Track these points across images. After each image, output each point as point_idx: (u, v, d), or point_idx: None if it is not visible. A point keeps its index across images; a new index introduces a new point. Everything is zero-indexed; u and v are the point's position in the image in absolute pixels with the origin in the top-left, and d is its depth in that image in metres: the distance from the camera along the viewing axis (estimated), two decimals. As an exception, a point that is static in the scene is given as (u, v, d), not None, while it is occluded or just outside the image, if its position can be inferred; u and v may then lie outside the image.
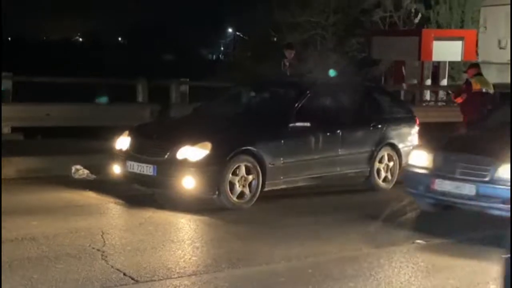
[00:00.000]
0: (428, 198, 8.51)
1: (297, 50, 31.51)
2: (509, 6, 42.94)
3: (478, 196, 7.85)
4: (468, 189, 7.88)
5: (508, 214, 7.15)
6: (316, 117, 9.43)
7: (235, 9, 43.56)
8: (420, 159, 8.53)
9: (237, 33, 60.16)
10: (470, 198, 7.92)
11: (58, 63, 38.58)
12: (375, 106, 10.48)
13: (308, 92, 9.62)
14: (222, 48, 74.68)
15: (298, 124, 9.22)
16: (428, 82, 22.87)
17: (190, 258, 6.66)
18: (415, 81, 22.85)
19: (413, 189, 8.64)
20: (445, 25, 28.87)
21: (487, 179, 7.78)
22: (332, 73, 17.33)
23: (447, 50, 22.20)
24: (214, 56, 62.86)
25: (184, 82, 12.92)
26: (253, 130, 9.06)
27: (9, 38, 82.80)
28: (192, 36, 77.62)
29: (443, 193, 8.12)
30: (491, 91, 12.69)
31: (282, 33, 31.64)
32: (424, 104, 21.54)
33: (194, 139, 8.58)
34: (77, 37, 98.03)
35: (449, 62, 23.43)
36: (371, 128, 10.17)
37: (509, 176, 7.53)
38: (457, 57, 22.50)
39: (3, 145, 10.33)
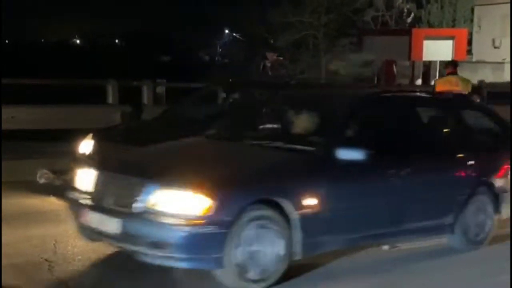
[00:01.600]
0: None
1: (290, 50, 31.43)
2: (504, 6, 42.71)
3: (125, 236, 5.57)
4: (114, 225, 5.63)
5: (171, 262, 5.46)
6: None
7: (231, 9, 43.29)
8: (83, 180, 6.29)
9: (234, 34, 59.94)
10: (117, 238, 5.66)
11: (52, 66, 38.41)
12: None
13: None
14: (220, 50, 74.42)
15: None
16: (419, 81, 22.62)
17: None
18: (406, 81, 22.60)
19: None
20: (436, 24, 28.66)
21: (135, 210, 5.51)
22: None
23: (437, 49, 21.94)
24: (209, 57, 62.44)
25: (159, 83, 12.54)
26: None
27: (7, 41, 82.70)
28: (189, 38, 77.49)
29: (93, 230, 5.94)
30: (462, 91, 11.28)
31: (275, 33, 31.43)
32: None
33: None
34: (75, 39, 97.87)
35: (440, 61, 23.19)
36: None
37: (166, 207, 5.40)
38: (448, 57, 22.21)
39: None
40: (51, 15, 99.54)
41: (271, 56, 13.04)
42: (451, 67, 11.99)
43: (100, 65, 40.65)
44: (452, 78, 11.76)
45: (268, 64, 12.66)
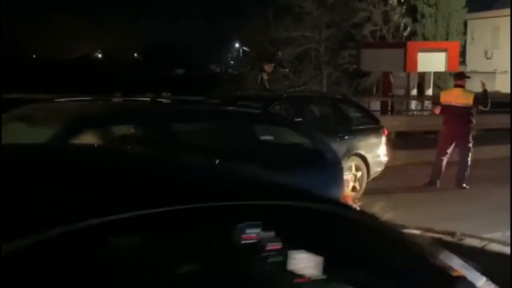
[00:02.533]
0: None
1: (293, 63, 31.29)
2: (495, 19, 42.40)
3: None
4: None
5: None
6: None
7: (241, 25, 43.29)
8: None
9: (243, 47, 59.86)
10: None
11: (73, 80, 38.46)
12: (342, 117, 9.90)
13: (272, 105, 9.09)
14: (232, 62, 74.41)
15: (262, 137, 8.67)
16: (414, 92, 22.37)
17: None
18: (402, 91, 22.37)
19: None
20: (431, 37, 28.39)
21: None
22: None
23: (431, 61, 21.70)
24: (220, 69, 62.40)
25: (164, 97, 12.32)
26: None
27: (34, 56, 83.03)
28: (202, 51, 77.56)
29: None
30: (464, 104, 11.22)
31: (278, 47, 31.33)
32: (410, 113, 21.13)
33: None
34: (96, 54, 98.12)
35: (435, 73, 23.00)
36: (338, 139, 9.59)
37: None
38: (441, 68, 22.08)
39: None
40: (75, 31, 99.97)
41: (269, 67, 12.56)
42: (457, 79, 11.73)
43: (118, 78, 40.66)
44: (453, 90, 11.59)
45: (265, 77, 12.29)
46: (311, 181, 4.79)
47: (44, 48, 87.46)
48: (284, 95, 9.93)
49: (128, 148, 4.65)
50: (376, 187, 9.99)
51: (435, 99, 14.88)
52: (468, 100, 11.30)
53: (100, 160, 3.22)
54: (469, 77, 12.44)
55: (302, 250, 2.27)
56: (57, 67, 54.99)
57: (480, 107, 11.59)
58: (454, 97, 11.30)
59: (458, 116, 11.14)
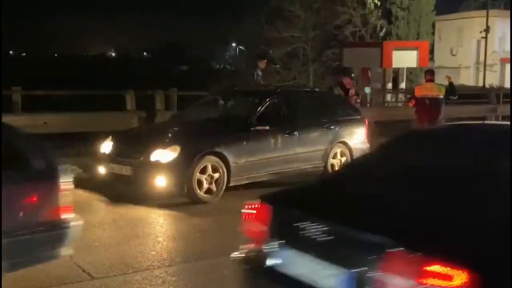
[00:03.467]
0: None
1: (283, 60, 31.11)
2: (459, 21, 42.21)
3: None
4: None
5: None
6: (275, 120, 8.83)
7: (237, 26, 43.10)
8: None
9: (239, 46, 59.52)
10: None
11: (90, 75, 38.19)
12: (328, 109, 9.81)
13: (268, 99, 8.97)
14: (229, 59, 73.96)
15: (258, 127, 8.59)
16: (389, 85, 22.30)
17: (149, 253, 6.02)
18: (379, 85, 22.26)
19: None
20: (404, 37, 28.29)
21: None
22: (367, 90, 16.70)
23: (404, 58, 21.64)
24: (220, 66, 62.00)
25: (172, 92, 12.22)
26: (219, 133, 8.41)
27: (55, 54, 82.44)
28: (203, 50, 77.12)
29: None
30: (437, 95, 11.27)
31: (270, 46, 31.13)
32: (386, 105, 21.03)
33: (166, 143, 7.98)
34: (111, 52, 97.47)
35: (407, 68, 22.93)
36: (325, 128, 9.52)
37: None
38: (413, 64, 22.07)
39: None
40: (93, 31, 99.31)
41: (262, 63, 12.15)
42: (428, 75, 11.68)
43: (130, 74, 40.37)
44: (427, 84, 11.55)
45: (260, 74, 11.95)
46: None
47: (63, 47, 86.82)
48: (278, 90, 9.83)
49: None
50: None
51: (410, 93, 14.78)
52: (441, 92, 11.42)
53: None
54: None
55: None
56: (80, 64, 54.68)
57: (451, 96, 11.68)
58: (429, 90, 11.32)
59: (430, 106, 11.15)
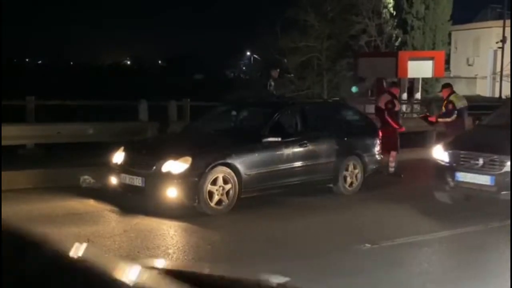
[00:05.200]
0: None
1: (298, 70, 31.07)
2: (476, 31, 41.95)
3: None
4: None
5: None
6: (287, 132, 8.80)
7: (252, 35, 43.19)
8: None
9: (254, 55, 59.62)
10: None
11: (105, 84, 38.28)
12: (341, 121, 9.76)
13: (280, 110, 8.96)
14: (244, 68, 74.04)
15: (270, 139, 8.56)
16: (405, 96, 22.18)
17: (158, 265, 6.01)
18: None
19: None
20: (419, 47, 28.13)
21: None
22: (354, 89, 16.50)
23: (420, 68, 21.50)
24: (234, 75, 62.12)
25: (185, 102, 12.22)
26: (231, 145, 8.40)
27: (71, 63, 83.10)
28: (218, 59, 77.36)
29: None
30: (466, 104, 11.31)
31: (285, 55, 31.12)
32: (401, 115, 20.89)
33: (177, 154, 7.97)
34: (126, 61, 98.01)
35: (423, 78, 22.80)
36: (338, 140, 9.45)
37: None
38: (429, 74, 21.91)
39: (24, 158, 9.75)
40: (108, 41, 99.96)
41: (275, 73, 12.14)
42: (448, 88, 11.40)
43: (145, 82, 40.51)
44: (458, 95, 11.54)
45: (272, 83, 11.93)
46: None
47: (80, 56, 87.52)
48: (291, 102, 9.80)
49: None
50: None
51: (425, 104, 14.55)
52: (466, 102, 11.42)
53: None
54: None
55: None
56: (96, 73, 55.04)
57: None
58: (461, 100, 11.19)
59: (466, 116, 11.09)
